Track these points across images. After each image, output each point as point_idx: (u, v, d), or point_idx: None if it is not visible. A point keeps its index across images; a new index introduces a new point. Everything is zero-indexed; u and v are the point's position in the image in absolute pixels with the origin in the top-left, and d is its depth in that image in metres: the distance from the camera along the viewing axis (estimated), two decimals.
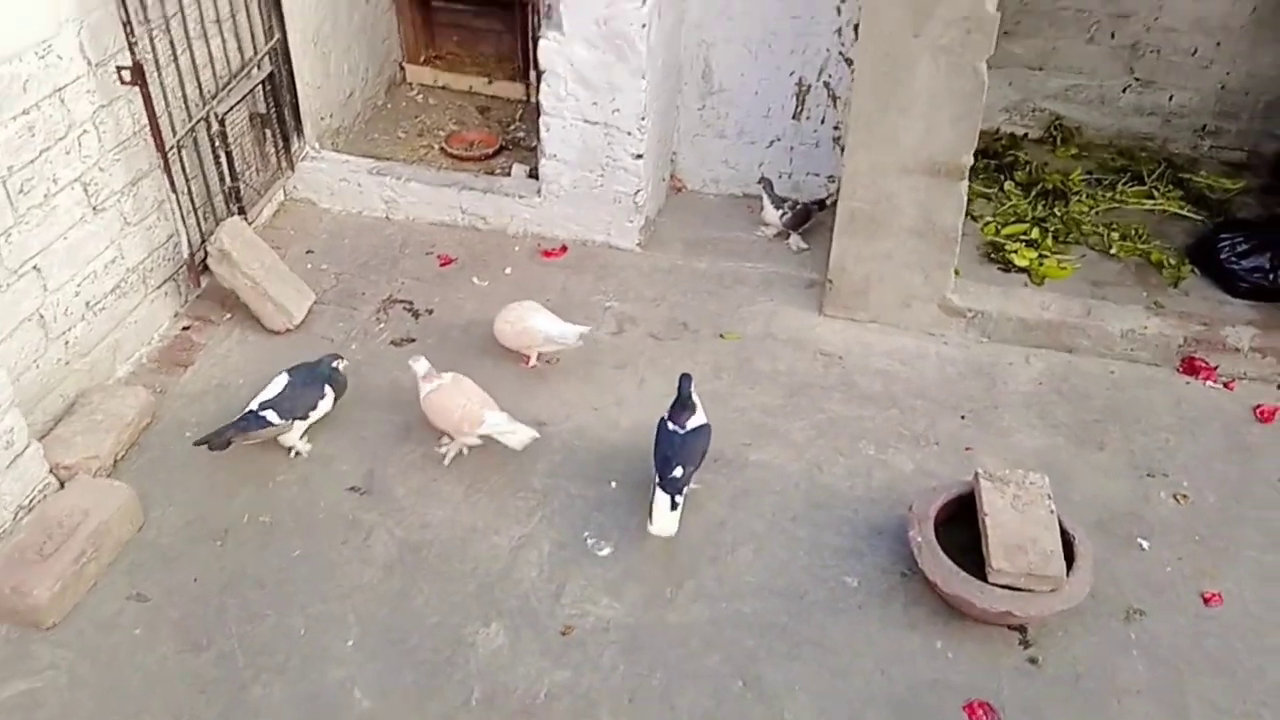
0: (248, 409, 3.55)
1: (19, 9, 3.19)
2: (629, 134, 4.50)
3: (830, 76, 4.87)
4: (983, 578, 3.11)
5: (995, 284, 4.57)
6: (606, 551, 3.37)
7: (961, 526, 3.31)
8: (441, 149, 5.46)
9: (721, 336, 4.33)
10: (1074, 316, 4.33)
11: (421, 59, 5.96)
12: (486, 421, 3.56)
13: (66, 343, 3.59)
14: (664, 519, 3.34)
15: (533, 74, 5.79)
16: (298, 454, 3.64)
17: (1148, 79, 5.70)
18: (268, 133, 4.45)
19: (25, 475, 3.22)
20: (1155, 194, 5.45)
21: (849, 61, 4.81)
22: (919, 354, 4.29)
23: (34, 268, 3.39)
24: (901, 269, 4.32)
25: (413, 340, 4.20)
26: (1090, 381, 4.19)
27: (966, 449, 3.85)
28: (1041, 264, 4.88)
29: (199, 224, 4.04)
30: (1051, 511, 3.22)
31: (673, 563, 3.35)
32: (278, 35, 4.43)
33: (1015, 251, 4.93)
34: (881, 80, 3.92)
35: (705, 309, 4.46)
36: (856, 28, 4.70)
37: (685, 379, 3.45)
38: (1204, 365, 4.22)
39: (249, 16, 4.22)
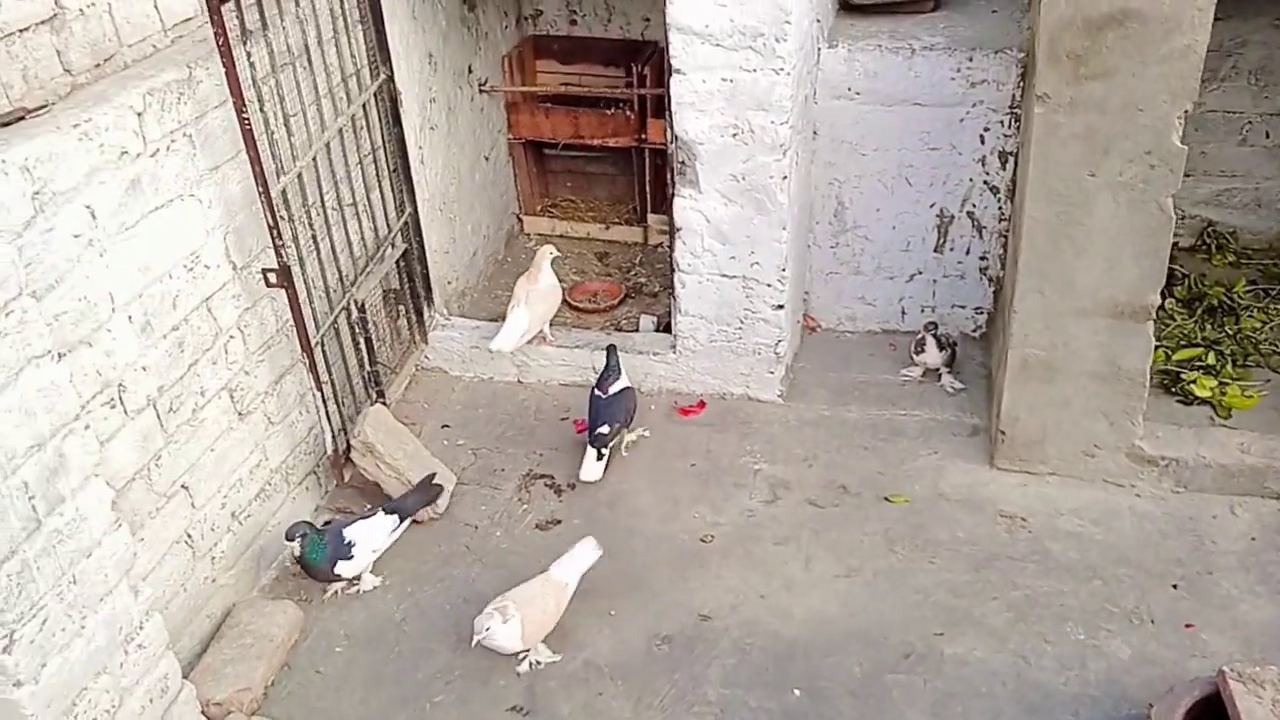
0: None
1: (169, 225, 3.09)
2: (769, 286, 4.27)
3: (975, 206, 4.60)
4: None
5: (1179, 421, 4.17)
6: None
7: None
8: (565, 301, 5.31)
9: (888, 499, 3.99)
10: None
11: (538, 209, 5.87)
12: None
13: (213, 559, 3.41)
14: (590, 467, 4.10)
15: (650, 218, 5.68)
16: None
17: None
18: (400, 308, 4.33)
19: None
20: None
21: (994, 190, 4.54)
22: (1110, 510, 3.88)
23: (182, 487, 3.23)
24: (1082, 416, 3.95)
25: (558, 522, 3.95)
26: None
27: (1187, 626, 3.42)
28: (1224, 394, 4.46)
29: (340, 411, 3.88)
30: None
31: None
32: (409, 209, 4.34)
33: (1194, 381, 4.52)
34: (1054, 221, 3.63)
35: (864, 467, 4.13)
36: (1003, 155, 4.46)
37: (611, 350, 4.19)
38: None
39: (382, 194, 4.14)
